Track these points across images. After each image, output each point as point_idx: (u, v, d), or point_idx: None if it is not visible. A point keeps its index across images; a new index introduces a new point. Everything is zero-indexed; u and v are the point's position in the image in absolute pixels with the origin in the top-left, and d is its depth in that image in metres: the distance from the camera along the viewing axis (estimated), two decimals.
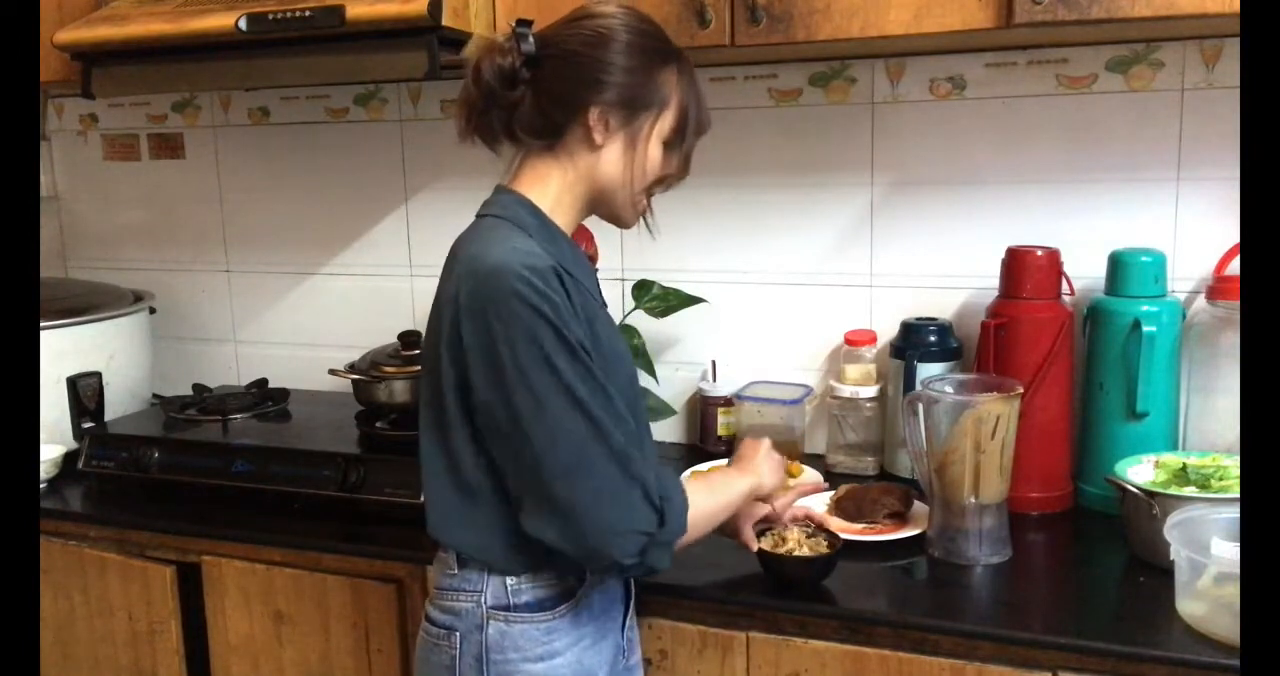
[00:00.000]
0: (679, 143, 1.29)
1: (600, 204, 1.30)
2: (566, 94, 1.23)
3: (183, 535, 1.77)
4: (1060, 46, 1.74)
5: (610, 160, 1.25)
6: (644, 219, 1.34)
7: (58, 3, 1.94)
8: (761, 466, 1.42)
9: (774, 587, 1.41)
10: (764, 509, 1.49)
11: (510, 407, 1.15)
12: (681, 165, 1.31)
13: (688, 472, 1.82)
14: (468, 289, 1.17)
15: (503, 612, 1.23)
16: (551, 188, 1.27)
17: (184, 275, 2.47)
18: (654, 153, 1.27)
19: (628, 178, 1.26)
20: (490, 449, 1.19)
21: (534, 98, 1.24)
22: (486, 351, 1.15)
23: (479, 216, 1.28)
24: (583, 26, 1.24)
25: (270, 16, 1.66)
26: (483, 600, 1.24)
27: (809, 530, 1.47)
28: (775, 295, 2.00)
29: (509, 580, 1.24)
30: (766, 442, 1.47)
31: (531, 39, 1.23)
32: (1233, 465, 1.50)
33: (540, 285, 1.14)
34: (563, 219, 1.28)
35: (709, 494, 1.30)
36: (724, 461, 1.88)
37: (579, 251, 1.32)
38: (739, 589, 1.42)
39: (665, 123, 1.26)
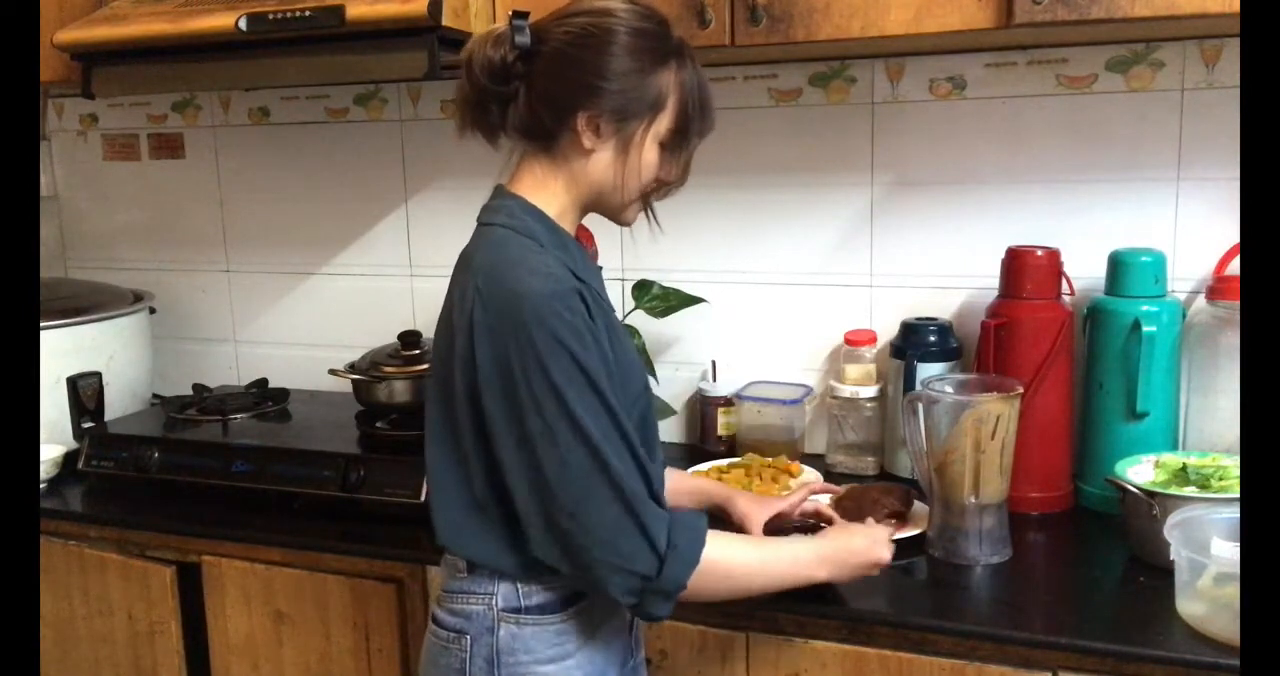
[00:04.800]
0: (679, 145, 1.24)
1: (597, 206, 1.28)
2: (556, 96, 1.19)
3: (183, 535, 1.77)
4: (1060, 46, 1.74)
5: (601, 166, 1.22)
6: (647, 214, 1.31)
7: (58, 3, 1.94)
8: (843, 564, 1.29)
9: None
10: (775, 507, 1.49)
11: (523, 433, 1.14)
12: (681, 171, 1.27)
13: (689, 471, 1.82)
14: (487, 308, 1.15)
15: (514, 615, 1.22)
16: (551, 191, 1.24)
17: (184, 275, 2.47)
18: (650, 156, 1.23)
19: (620, 183, 1.23)
20: (502, 468, 1.18)
21: (527, 95, 1.21)
22: (502, 375, 1.14)
23: (485, 224, 1.25)
24: (579, 23, 1.20)
25: (270, 16, 1.66)
26: (494, 603, 1.23)
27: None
28: (775, 295, 2.00)
29: (520, 583, 1.23)
30: (881, 537, 1.34)
31: (527, 31, 1.20)
32: (1233, 465, 1.50)
33: (563, 311, 1.13)
34: (567, 221, 1.26)
35: (756, 564, 1.23)
36: (724, 462, 1.88)
37: (585, 253, 1.31)
38: None
39: (661, 125, 1.22)
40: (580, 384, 1.13)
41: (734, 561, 1.21)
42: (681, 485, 1.56)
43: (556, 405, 1.12)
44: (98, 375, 2.11)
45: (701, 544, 1.17)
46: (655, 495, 1.17)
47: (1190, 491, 1.44)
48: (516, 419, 1.14)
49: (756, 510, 1.49)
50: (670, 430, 2.10)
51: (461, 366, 1.18)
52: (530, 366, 1.12)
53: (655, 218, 1.32)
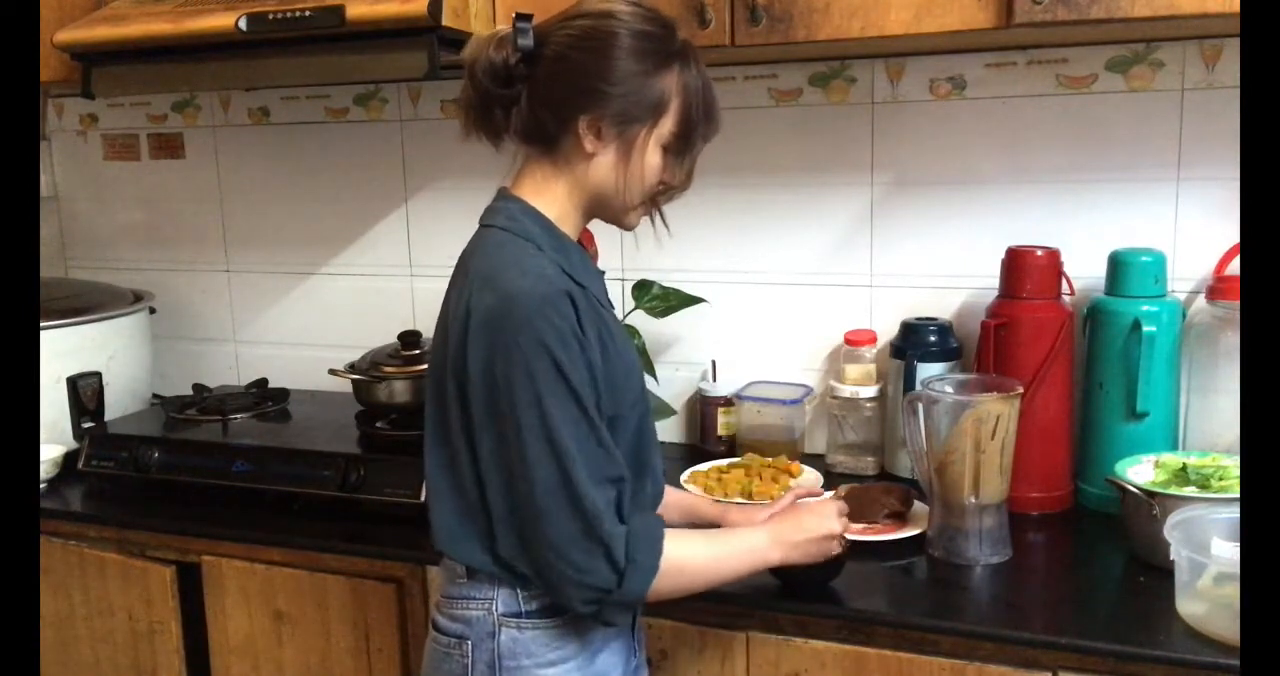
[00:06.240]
0: (683, 148, 1.23)
1: (599, 210, 1.27)
2: (558, 100, 1.19)
3: (183, 535, 1.77)
4: (1060, 46, 1.74)
5: (603, 169, 1.22)
6: (656, 217, 1.30)
7: (58, 3, 1.94)
8: (796, 544, 1.30)
9: (782, 589, 1.40)
10: (767, 511, 1.49)
11: (500, 436, 1.15)
12: (685, 175, 1.26)
13: (686, 473, 1.82)
14: (479, 311, 1.15)
15: (515, 619, 1.22)
16: (553, 195, 1.24)
17: (184, 275, 2.47)
18: (652, 159, 1.22)
19: (622, 186, 1.22)
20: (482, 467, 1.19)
21: (529, 98, 1.20)
22: (486, 378, 1.15)
23: (486, 225, 1.25)
24: (581, 25, 1.19)
25: (270, 16, 1.66)
26: (494, 607, 1.23)
27: None
28: (775, 295, 2.00)
29: (520, 588, 1.23)
30: (829, 512, 1.34)
31: (530, 33, 1.19)
32: (1233, 465, 1.50)
33: (551, 314, 1.13)
34: (569, 225, 1.26)
35: (711, 559, 1.25)
36: (724, 462, 1.88)
37: (586, 256, 1.31)
38: (739, 589, 1.42)
39: (664, 128, 1.21)
40: (560, 391, 1.13)
41: (689, 561, 1.22)
42: (674, 501, 1.53)
43: (534, 412, 1.13)
44: (98, 375, 2.11)
45: (659, 553, 1.18)
46: (621, 509, 1.17)
47: (1190, 491, 1.45)
48: (496, 421, 1.15)
49: (748, 523, 1.48)
50: (670, 430, 2.10)
51: (454, 367, 1.18)
52: (513, 369, 1.13)
53: (665, 221, 1.31)
